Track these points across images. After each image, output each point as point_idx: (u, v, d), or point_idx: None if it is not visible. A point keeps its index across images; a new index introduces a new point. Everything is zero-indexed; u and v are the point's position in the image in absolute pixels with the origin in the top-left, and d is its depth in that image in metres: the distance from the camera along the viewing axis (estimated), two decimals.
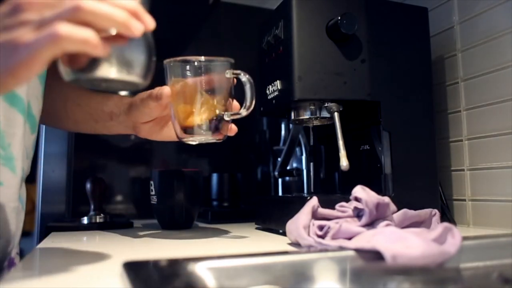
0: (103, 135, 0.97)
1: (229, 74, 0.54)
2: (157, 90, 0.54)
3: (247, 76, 0.54)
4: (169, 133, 0.59)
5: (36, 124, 0.58)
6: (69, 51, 0.32)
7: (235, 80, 0.55)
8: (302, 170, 0.81)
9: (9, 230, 0.50)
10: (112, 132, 0.64)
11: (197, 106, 0.53)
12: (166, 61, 0.55)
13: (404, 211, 0.52)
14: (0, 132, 0.49)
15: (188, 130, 0.54)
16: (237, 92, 0.55)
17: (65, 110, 0.62)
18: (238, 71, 0.54)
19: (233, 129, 0.57)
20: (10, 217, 0.50)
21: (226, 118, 0.55)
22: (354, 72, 0.65)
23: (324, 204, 0.51)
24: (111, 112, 0.61)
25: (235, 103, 0.57)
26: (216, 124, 0.54)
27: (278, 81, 0.67)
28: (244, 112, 0.54)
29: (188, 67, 0.54)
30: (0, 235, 0.48)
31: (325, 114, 0.66)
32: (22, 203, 0.57)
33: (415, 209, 0.54)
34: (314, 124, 0.71)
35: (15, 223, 0.52)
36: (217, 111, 0.54)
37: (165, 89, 0.54)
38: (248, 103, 0.54)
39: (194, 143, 0.56)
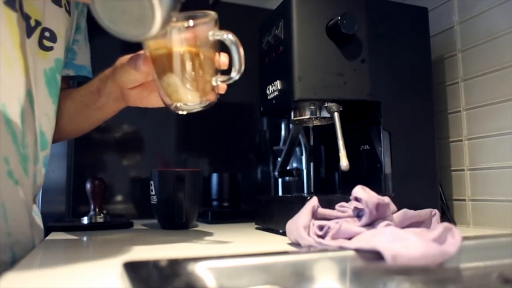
0: (102, 133, 0.97)
1: (212, 37, 0.48)
2: (135, 56, 0.52)
3: (230, 35, 0.47)
4: (158, 99, 0.54)
5: (47, 142, 0.58)
6: None
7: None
8: (302, 170, 0.81)
9: (21, 232, 0.50)
10: (105, 112, 0.62)
11: (180, 74, 0.48)
12: None
13: (404, 211, 0.52)
14: (24, 131, 0.49)
15: (175, 98, 0.49)
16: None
17: (59, 109, 0.62)
18: (221, 32, 0.47)
19: (222, 87, 0.52)
20: (23, 218, 0.50)
21: (214, 83, 0.49)
22: (354, 72, 0.65)
23: (324, 204, 0.51)
24: (98, 88, 0.60)
25: (223, 58, 0.51)
26: (204, 90, 0.49)
27: (278, 81, 0.67)
28: (236, 76, 0.48)
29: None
30: (11, 232, 0.48)
31: (325, 114, 0.66)
32: (38, 216, 0.57)
33: (415, 209, 0.54)
34: (314, 124, 0.71)
35: (31, 230, 0.52)
36: (204, 77, 0.49)
37: (142, 57, 0.51)
38: (237, 66, 0.48)
39: (183, 112, 0.51)
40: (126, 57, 0.54)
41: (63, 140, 0.72)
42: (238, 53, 0.47)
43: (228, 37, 0.47)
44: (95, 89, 0.60)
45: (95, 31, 0.74)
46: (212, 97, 0.50)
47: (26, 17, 0.53)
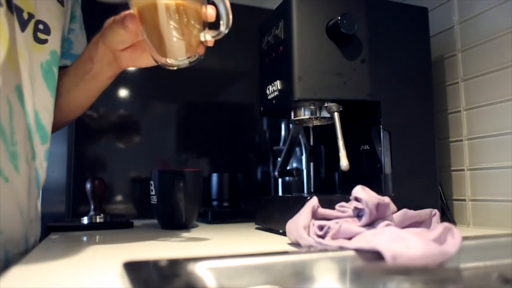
0: (102, 133, 0.97)
1: None
2: (122, 15, 0.51)
3: None
4: (151, 58, 0.54)
5: (47, 135, 0.58)
6: None
7: None
8: (302, 170, 0.81)
9: (13, 230, 0.50)
10: (101, 79, 0.61)
11: (168, 30, 0.48)
12: None
13: (404, 211, 0.52)
14: (12, 128, 0.49)
15: (163, 53, 0.50)
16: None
17: (57, 87, 0.62)
18: None
19: (210, 41, 0.52)
20: (14, 216, 0.50)
21: (202, 39, 0.50)
22: (354, 72, 0.65)
23: (324, 204, 0.51)
24: (90, 56, 0.59)
25: (210, 10, 0.51)
26: (192, 45, 0.50)
27: (278, 81, 0.67)
28: (224, 30, 0.49)
29: None
30: (3, 230, 0.48)
31: (325, 114, 0.66)
32: (38, 213, 0.57)
33: (415, 209, 0.54)
34: (314, 124, 0.71)
35: (23, 227, 0.52)
36: (192, 31, 0.49)
37: (129, 15, 0.50)
38: (225, 20, 0.48)
39: (173, 68, 0.51)
40: (113, 18, 0.54)
41: (64, 124, 0.71)
42: (225, 6, 0.48)
43: None
44: (87, 58, 0.60)
45: (92, 21, 0.75)
46: (200, 50, 0.51)
47: (18, 10, 0.53)
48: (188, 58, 0.50)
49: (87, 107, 0.69)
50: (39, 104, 0.56)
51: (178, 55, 0.50)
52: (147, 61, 0.58)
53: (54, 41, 0.59)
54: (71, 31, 0.68)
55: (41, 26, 0.57)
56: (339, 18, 0.61)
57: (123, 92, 1.01)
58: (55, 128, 0.65)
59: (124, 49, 0.56)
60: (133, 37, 0.54)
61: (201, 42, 0.50)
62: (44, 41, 0.57)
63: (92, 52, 0.58)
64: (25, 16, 0.54)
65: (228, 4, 0.48)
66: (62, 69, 0.64)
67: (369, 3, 0.67)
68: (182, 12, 0.48)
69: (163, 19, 0.48)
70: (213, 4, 0.49)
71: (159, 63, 0.52)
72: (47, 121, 0.58)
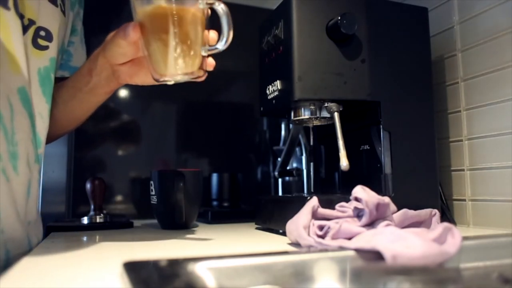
0: (102, 134, 0.97)
1: (202, 4, 0.48)
2: (124, 26, 0.51)
3: (222, 5, 0.48)
4: (149, 76, 0.54)
5: (40, 141, 0.58)
6: None
7: (209, 11, 0.50)
8: (302, 170, 0.81)
9: (14, 230, 0.50)
10: (98, 93, 0.61)
11: (170, 42, 0.48)
12: None
13: (404, 211, 0.52)
14: (13, 128, 0.50)
15: (162, 69, 0.50)
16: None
17: (53, 99, 0.62)
18: (212, 1, 0.48)
19: (210, 64, 0.52)
20: (12, 216, 0.50)
21: (203, 53, 0.50)
22: (354, 72, 0.65)
23: (324, 204, 0.51)
24: (89, 69, 0.59)
25: (212, 35, 0.51)
26: (192, 60, 0.49)
27: (278, 81, 0.67)
28: (221, 46, 0.49)
29: None
30: (3, 229, 0.48)
31: (325, 114, 0.66)
32: (38, 215, 0.58)
33: (415, 209, 0.54)
34: (314, 124, 0.71)
35: (23, 228, 0.52)
36: (193, 46, 0.49)
37: (132, 25, 0.50)
38: (225, 37, 0.48)
39: (170, 83, 0.51)
40: (115, 32, 0.54)
41: (60, 135, 0.71)
42: (228, 24, 0.48)
43: (220, 7, 0.48)
44: (86, 71, 0.60)
45: (93, 33, 0.75)
46: (200, 73, 0.51)
47: (19, 16, 0.53)
48: (187, 75, 0.50)
49: (83, 120, 0.69)
50: (35, 110, 0.56)
51: (177, 73, 0.50)
52: (144, 79, 0.58)
53: (54, 48, 0.59)
54: (71, 43, 0.68)
55: (42, 33, 0.57)
56: (339, 18, 0.61)
57: (123, 93, 1.01)
58: (51, 138, 0.65)
59: (123, 64, 0.56)
60: (133, 51, 0.54)
61: (201, 67, 0.50)
62: (45, 48, 0.57)
63: (92, 65, 0.59)
64: (25, 22, 0.55)
65: (231, 24, 0.48)
66: (60, 80, 0.64)
67: (369, 3, 0.67)
68: (185, 28, 0.48)
69: (166, 34, 0.47)
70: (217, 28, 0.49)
71: (158, 80, 0.51)
72: (41, 127, 0.58)
